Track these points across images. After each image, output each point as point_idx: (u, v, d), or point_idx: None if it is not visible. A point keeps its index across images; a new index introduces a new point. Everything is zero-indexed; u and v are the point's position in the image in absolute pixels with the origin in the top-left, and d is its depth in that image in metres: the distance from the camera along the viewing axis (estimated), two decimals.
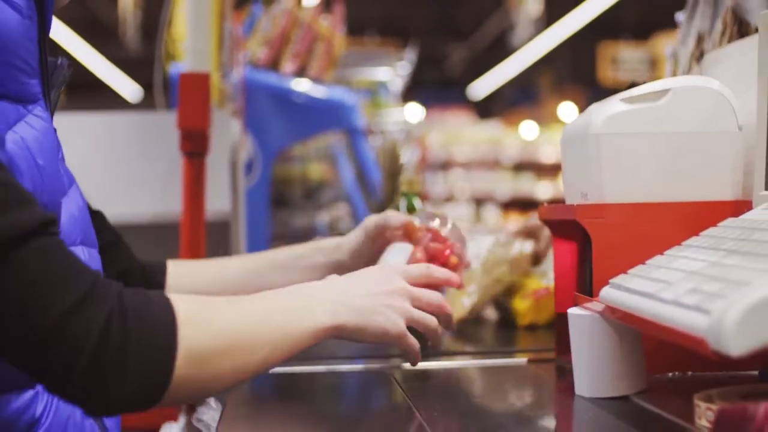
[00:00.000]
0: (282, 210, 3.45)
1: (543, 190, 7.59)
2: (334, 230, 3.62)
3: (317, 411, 1.06)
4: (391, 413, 1.04)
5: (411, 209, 1.81)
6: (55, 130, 0.96)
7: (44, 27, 0.89)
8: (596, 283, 1.02)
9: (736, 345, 0.67)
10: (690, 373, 1.05)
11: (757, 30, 1.34)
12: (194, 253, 1.77)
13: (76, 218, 0.95)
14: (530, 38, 9.06)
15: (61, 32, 8.92)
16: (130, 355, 0.75)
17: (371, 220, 1.29)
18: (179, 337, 0.79)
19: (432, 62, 12.15)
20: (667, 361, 1.04)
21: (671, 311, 0.77)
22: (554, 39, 10.08)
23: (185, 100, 1.77)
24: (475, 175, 7.52)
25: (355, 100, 3.29)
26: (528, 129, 8.82)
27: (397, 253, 1.21)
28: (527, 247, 1.63)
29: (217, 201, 2.03)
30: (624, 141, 1.06)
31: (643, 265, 0.93)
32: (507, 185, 7.57)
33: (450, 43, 12.88)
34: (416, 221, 1.25)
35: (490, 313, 1.66)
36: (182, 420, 1.39)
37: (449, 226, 1.24)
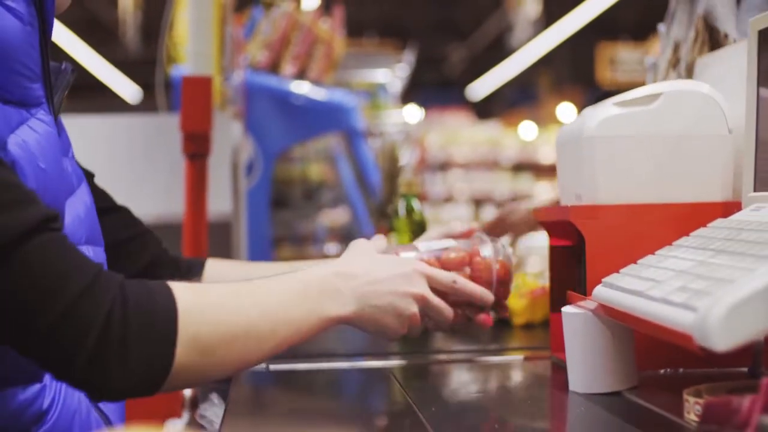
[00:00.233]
0: (282, 210, 3.47)
1: (542, 190, 7.61)
2: (333, 231, 3.65)
3: (318, 407, 1.08)
4: (390, 409, 1.07)
5: (410, 211, 1.84)
6: (60, 131, 0.98)
7: (45, 32, 0.91)
8: (590, 282, 1.04)
9: (721, 340, 0.70)
10: (681, 369, 1.08)
11: (726, 36, 1.38)
12: (196, 253, 1.80)
13: (82, 218, 0.97)
14: (529, 39, 9.08)
15: (60, 33, 8.93)
16: (131, 343, 0.78)
17: (435, 232, 1.33)
18: (180, 325, 0.81)
19: (431, 63, 12.17)
20: (658, 358, 1.07)
21: (660, 308, 0.80)
22: (553, 40, 10.10)
23: (188, 104, 1.80)
24: (474, 176, 7.54)
25: (355, 102, 3.31)
26: (527, 129, 8.84)
27: (436, 243, 1.20)
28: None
29: (219, 202, 2.06)
30: (617, 144, 1.09)
31: (635, 265, 0.96)
32: (506, 186, 7.59)
33: (449, 43, 12.90)
34: (478, 235, 1.22)
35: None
36: (186, 416, 1.42)
37: (500, 258, 1.18)
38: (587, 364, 0.98)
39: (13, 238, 0.76)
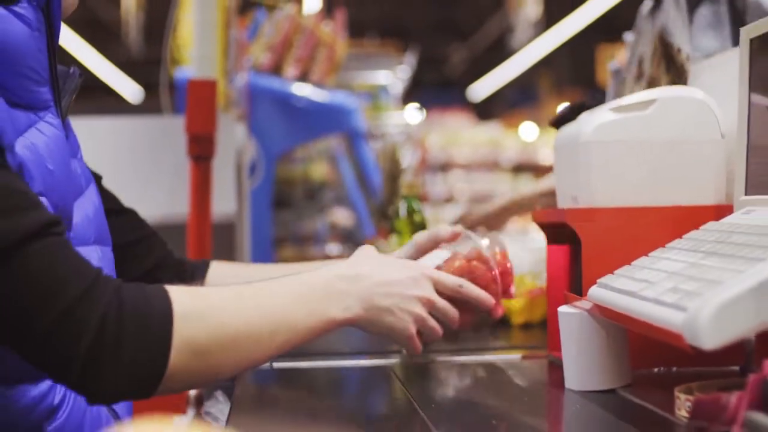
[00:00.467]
0: (284, 211, 3.50)
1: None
2: (335, 231, 3.67)
3: (321, 404, 1.11)
4: (391, 406, 1.09)
5: (411, 212, 1.87)
6: (68, 134, 1.01)
7: (53, 37, 0.93)
8: (586, 283, 1.07)
9: (710, 339, 0.73)
10: (674, 368, 1.10)
11: (680, 51, 1.43)
12: (201, 254, 1.82)
13: (91, 219, 1.00)
14: (529, 40, 9.10)
15: (61, 32, 8.92)
16: (125, 347, 0.80)
17: (422, 235, 1.28)
18: (175, 329, 0.83)
19: (432, 63, 12.19)
20: (652, 357, 1.10)
21: (652, 309, 0.83)
22: (554, 41, 10.13)
23: (193, 106, 1.83)
24: (475, 177, 7.56)
25: (356, 104, 3.34)
26: (527, 130, 8.86)
27: (435, 257, 1.20)
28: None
29: (223, 203, 2.09)
30: (612, 148, 1.12)
31: (629, 266, 0.99)
32: (506, 186, 7.60)
33: (450, 44, 12.92)
34: (467, 235, 1.23)
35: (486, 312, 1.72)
36: (191, 413, 1.44)
37: (497, 250, 1.22)
38: (582, 363, 1.01)
39: (13, 243, 0.78)
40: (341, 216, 3.76)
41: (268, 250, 2.95)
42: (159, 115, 2.54)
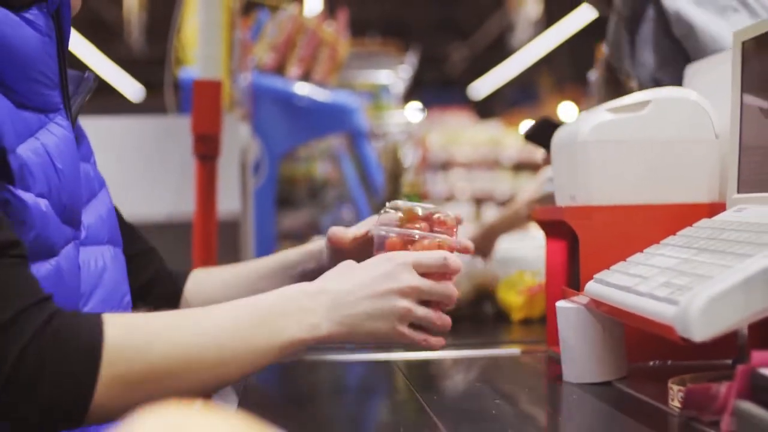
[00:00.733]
0: (287, 209, 3.52)
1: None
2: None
3: (326, 397, 1.14)
4: (395, 398, 1.12)
5: None
6: (81, 139, 1.04)
7: (63, 42, 0.96)
8: (583, 279, 1.10)
9: (700, 331, 0.76)
10: (669, 361, 1.14)
11: (627, 76, 1.58)
12: (206, 251, 1.85)
13: (104, 219, 1.03)
14: (530, 39, 9.12)
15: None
16: (43, 382, 0.76)
17: (369, 220, 1.20)
18: (104, 363, 0.78)
19: (432, 62, 12.21)
20: (648, 351, 1.13)
21: (645, 303, 0.86)
22: (554, 40, 10.15)
23: (199, 106, 1.86)
24: (476, 175, 7.59)
25: (358, 104, 3.37)
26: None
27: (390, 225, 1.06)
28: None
29: (228, 201, 2.11)
30: (609, 148, 1.15)
31: (624, 262, 1.02)
32: (506, 185, 7.63)
33: (450, 42, 12.93)
34: (417, 210, 1.10)
35: (487, 309, 1.75)
36: (198, 405, 1.47)
37: (450, 214, 1.10)
38: (580, 356, 1.04)
39: None
40: (343, 214, 3.78)
41: (271, 248, 2.98)
42: (164, 115, 2.57)
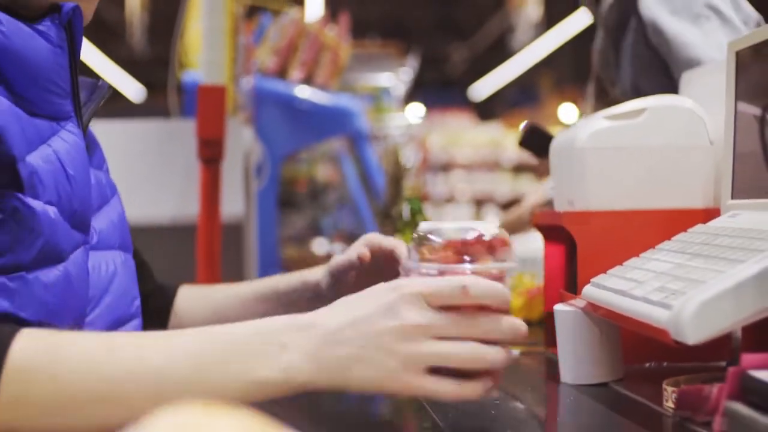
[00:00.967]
0: (289, 211, 3.55)
1: (532, 189, 7.67)
2: (339, 231, 3.71)
3: (329, 398, 1.16)
4: (395, 397, 1.15)
5: (415, 213, 1.92)
6: (93, 147, 1.06)
7: (74, 52, 0.98)
8: (580, 282, 1.12)
9: (692, 335, 0.79)
10: (665, 363, 1.16)
11: (612, 84, 1.63)
12: (210, 254, 1.88)
13: (115, 225, 1.05)
14: (530, 41, 9.15)
15: None
16: None
17: (367, 238, 1.19)
18: (2, 383, 0.70)
19: (433, 63, 12.23)
20: (644, 353, 1.15)
21: (640, 306, 0.88)
22: (555, 41, 10.17)
23: (203, 111, 1.88)
24: (476, 177, 7.63)
25: (360, 107, 3.40)
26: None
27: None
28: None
29: (232, 204, 2.14)
30: (606, 154, 1.17)
31: (621, 266, 1.04)
32: (507, 186, 7.67)
33: (450, 43, 12.96)
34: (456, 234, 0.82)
35: None
36: None
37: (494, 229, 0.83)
38: (577, 358, 1.07)
39: None
40: (345, 216, 3.81)
41: (274, 250, 3.01)
42: (167, 118, 2.59)
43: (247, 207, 2.30)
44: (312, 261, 3.21)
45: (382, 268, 1.14)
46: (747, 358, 0.75)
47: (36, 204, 0.86)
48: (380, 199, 3.31)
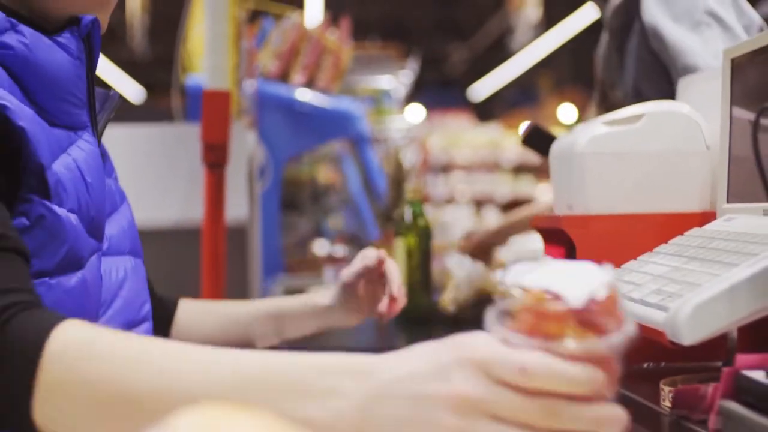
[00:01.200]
0: (291, 213, 3.57)
1: (542, 191, 7.71)
2: (341, 233, 3.73)
3: None
4: None
5: (417, 216, 1.94)
6: (105, 157, 1.09)
7: (92, 64, 1.01)
8: None
9: (688, 336, 0.81)
10: (662, 364, 1.18)
11: (612, 86, 1.67)
12: (215, 258, 1.90)
13: (125, 231, 1.08)
14: (529, 42, 9.18)
15: None
16: None
17: (348, 273, 1.29)
18: (43, 366, 0.69)
19: (432, 63, 12.25)
20: (641, 353, 1.18)
21: (638, 308, 0.91)
22: (554, 41, 10.20)
23: (208, 116, 1.91)
24: (476, 178, 7.65)
25: (361, 110, 3.43)
26: None
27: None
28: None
29: (236, 208, 2.16)
30: (605, 159, 1.20)
31: (619, 269, 1.07)
32: (507, 187, 7.69)
33: (450, 43, 12.97)
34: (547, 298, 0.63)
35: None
36: None
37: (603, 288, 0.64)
38: None
39: None
40: (346, 218, 3.83)
41: (277, 252, 3.03)
42: (170, 122, 2.62)
43: (251, 210, 2.32)
44: (314, 262, 3.24)
45: (378, 280, 1.30)
46: (741, 359, 0.78)
47: (61, 211, 0.89)
48: (381, 201, 3.34)
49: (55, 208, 0.88)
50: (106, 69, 11.51)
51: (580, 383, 0.61)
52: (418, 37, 11.23)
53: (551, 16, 9.21)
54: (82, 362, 0.69)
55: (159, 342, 0.72)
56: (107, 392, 0.67)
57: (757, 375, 0.75)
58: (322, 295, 1.32)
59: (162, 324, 1.26)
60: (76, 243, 0.90)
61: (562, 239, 1.26)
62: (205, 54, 2.05)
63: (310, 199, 3.75)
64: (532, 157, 7.94)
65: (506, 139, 8.07)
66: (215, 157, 1.92)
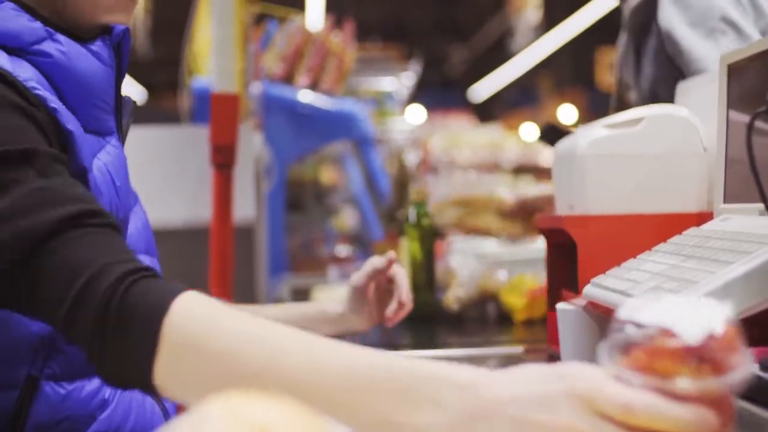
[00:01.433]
0: (295, 213, 3.61)
1: (542, 192, 7.70)
2: (344, 233, 3.77)
3: None
4: None
5: (421, 216, 1.98)
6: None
7: (120, 72, 1.05)
8: (581, 282, 1.17)
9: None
10: None
11: (626, 87, 1.70)
12: (223, 257, 1.94)
13: (140, 230, 1.12)
14: (529, 43, 9.20)
15: None
16: (113, 340, 0.75)
17: (358, 277, 1.34)
18: (164, 332, 0.73)
19: (432, 63, 12.27)
20: None
21: None
22: (554, 43, 10.23)
23: (216, 118, 1.95)
24: (476, 178, 7.67)
25: (365, 112, 3.47)
26: (528, 132, 8.92)
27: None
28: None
29: (243, 208, 2.20)
30: (605, 161, 1.23)
31: (619, 267, 1.10)
32: (507, 188, 7.71)
33: (450, 43, 12.99)
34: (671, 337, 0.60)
35: (491, 310, 1.84)
36: None
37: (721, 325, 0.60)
38: (578, 354, 1.12)
39: (39, 237, 0.80)
40: (350, 218, 3.86)
41: (282, 252, 3.07)
42: (177, 123, 2.66)
43: (258, 210, 2.36)
44: (318, 262, 3.28)
45: (386, 285, 1.36)
46: None
47: None
48: (385, 201, 3.37)
49: None
50: None
51: (688, 424, 0.58)
52: (419, 38, 11.25)
53: (551, 17, 9.24)
54: (201, 334, 0.73)
55: (272, 324, 0.74)
56: (222, 365, 0.71)
57: (755, 369, 0.78)
58: (334, 302, 1.36)
59: None
60: None
61: (563, 238, 1.29)
62: (213, 57, 2.08)
63: (313, 199, 3.78)
64: (533, 158, 7.98)
65: (506, 140, 8.05)
66: (223, 159, 1.96)
